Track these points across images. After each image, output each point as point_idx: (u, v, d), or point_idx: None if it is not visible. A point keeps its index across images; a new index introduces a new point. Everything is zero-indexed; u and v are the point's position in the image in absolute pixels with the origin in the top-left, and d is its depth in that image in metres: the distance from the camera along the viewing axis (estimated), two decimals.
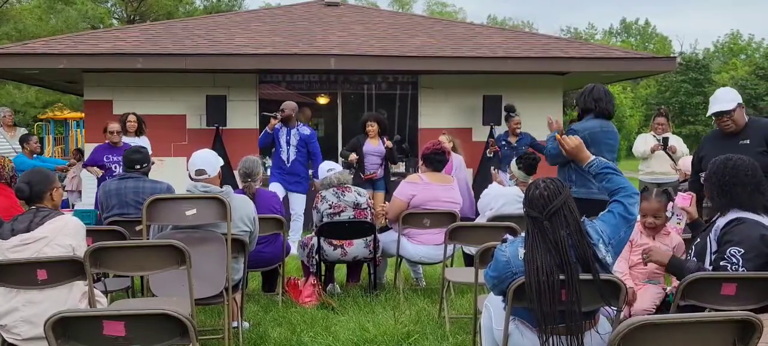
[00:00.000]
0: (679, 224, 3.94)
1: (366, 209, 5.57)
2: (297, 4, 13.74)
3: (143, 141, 7.69)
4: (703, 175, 3.72)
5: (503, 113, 8.87)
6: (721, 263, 3.17)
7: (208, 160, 4.41)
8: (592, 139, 4.76)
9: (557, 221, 2.78)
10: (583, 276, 2.75)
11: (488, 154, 8.99)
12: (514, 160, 5.66)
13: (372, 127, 8.01)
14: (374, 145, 7.99)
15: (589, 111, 4.95)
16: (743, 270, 3.11)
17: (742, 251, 3.13)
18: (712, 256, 3.29)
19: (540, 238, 2.79)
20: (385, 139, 8.05)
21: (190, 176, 4.42)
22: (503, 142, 8.67)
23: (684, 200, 3.78)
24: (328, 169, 5.73)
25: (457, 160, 8.16)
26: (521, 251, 2.84)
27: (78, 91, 12.65)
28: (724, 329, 2.42)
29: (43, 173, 3.82)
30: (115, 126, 7.35)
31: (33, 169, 3.94)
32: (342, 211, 5.48)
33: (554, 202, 2.80)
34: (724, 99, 4.45)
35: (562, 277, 2.72)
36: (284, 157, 7.76)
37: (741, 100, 4.46)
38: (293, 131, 7.81)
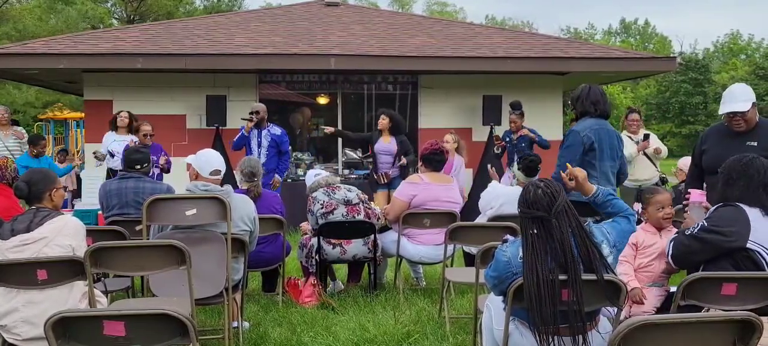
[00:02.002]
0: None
1: (358, 203, 5.56)
2: (297, 4, 13.74)
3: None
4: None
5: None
6: (686, 231, 3.36)
7: (221, 161, 4.50)
8: (594, 135, 4.72)
9: (563, 220, 2.78)
10: (586, 276, 2.75)
11: (495, 151, 8.95)
12: (516, 161, 5.68)
13: (383, 121, 7.78)
14: (386, 143, 7.82)
15: (587, 114, 4.85)
16: (696, 231, 3.29)
17: (706, 223, 3.28)
18: None
19: (543, 238, 2.76)
20: (402, 157, 7.80)
21: (197, 175, 4.41)
22: (507, 139, 8.68)
23: (701, 195, 3.75)
24: (315, 174, 5.78)
25: (458, 161, 8.15)
26: (522, 251, 2.84)
27: (78, 91, 12.64)
28: (724, 329, 2.42)
29: (44, 173, 3.81)
30: (147, 128, 7.53)
31: (34, 169, 3.93)
32: (334, 209, 5.48)
33: (559, 200, 2.79)
34: (740, 98, 4.23)
35: (563, 277, 2.72)
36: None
37: (755, 99, 4.29)
38: (264, 132, 7.65)
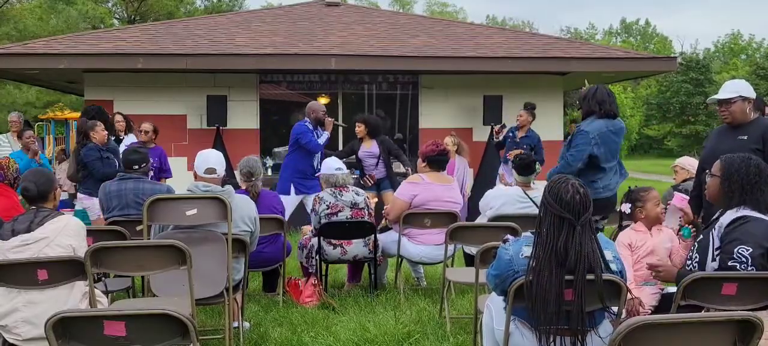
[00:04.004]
0: (683, 231, 3.92)
1: (364, 208, 5.57)
2: (297, 4, 13.74)
3: (131, 139, 7.98)
4: (708, 171, 3.67)
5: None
6: (730, 263, 3.18)
7: (219, 159, 4.47)
8: (601, 140, 4.82)
9: (586, 230, 2.76)
10: (589, 276, 2.75)
11: (496, 139, 8.98)
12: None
13: (359, 129, 7.77)
14: (368, 148, 7.79)
15: (592, 113, 4.94)
16: (752, 269, 3.13)
17: (750, 249, 3.15)
18: (714, 252, 3.31)
19: (555, 239, 2.74)
20: (403, 166, 7.68)
21: (195, 174, 4.42)
22: (510, 135, 8.65)
23: (682, 200, 3.79)
24: (337, 167, 5.69)
25: (460, 163, 8.15)
26: (525, 249, 2.83)
27: (78, 91, 12.65)
28: (724, 329, 2.42)
29: (47, 174, 3.83)
30: (146, 126, 7.54)
31: (35, 170, 3.94)
32: (339, 211, 5.48)
33: (589, 210, 2.78)
34: (726, 89, 4.44)
35: (569, 277, 2.71)
36: (315, 163, 7.33)
37: (748, 95, 4.36)
38: (324, 135, 7.45)
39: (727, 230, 3.27)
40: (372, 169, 7.80)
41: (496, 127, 9.29)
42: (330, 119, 7.43)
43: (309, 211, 7.14)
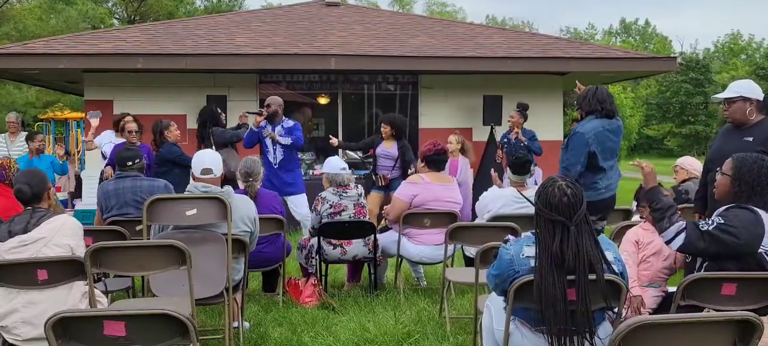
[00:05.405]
0: None
1: (364, 206, 5.59)
2: (297, 4, 13.75)
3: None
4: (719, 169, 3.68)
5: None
6: (701, 223, 3.30)
7: (215, 160, 4.44)
8: (597, 139, 4.78)
9: (582, 228, 2.74)
10: (591, 276, 2.74)
11: (497, 160, 8.95)
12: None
13: (385, 129, 7.75)
14: (388, 148, 7.76)
15: (593, 112, 4.91)
16: (711, 227, 3.22)
17: (722, 221, 3.24)
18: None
19: (556, 241, 2.72)
20: (412, 166, 7.52)
21: (193, 176, 4.42)
22: (505, 140, 8.65)
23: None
24: (341, 167, 5.67)
25: (463, 163, 8.14)
26: (526, 249, 2.83)
27: (78, 91, 12.65)
28: (724, 329, 2.42)
29: (40, 174, 3.82)
30: (133, 126, 7.38)
31: (28, 171, 3.93)
32: (343, 210, 5.48)
33: (581, 209, 2.75)
34: (730, 88, 4.44)
35: (571, 277, 2.71)
36: (271, 159, 7.29)
37: (750, 95, 4.32)
38: (278, 129, 7.35)
39: (721, 212, 3.34)
40: (387, 170, 7.77)
41: (501, 154, 9.10)
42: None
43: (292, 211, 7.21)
